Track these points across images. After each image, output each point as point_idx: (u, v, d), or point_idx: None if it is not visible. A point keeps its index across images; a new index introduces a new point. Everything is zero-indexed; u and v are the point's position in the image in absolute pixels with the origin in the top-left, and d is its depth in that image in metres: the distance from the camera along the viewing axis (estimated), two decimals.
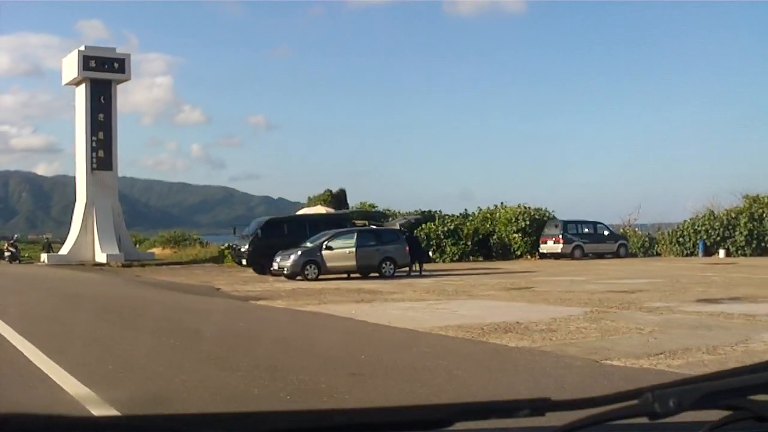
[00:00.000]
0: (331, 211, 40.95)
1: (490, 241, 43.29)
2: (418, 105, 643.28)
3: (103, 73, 41.46)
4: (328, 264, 28.23)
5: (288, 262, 27.99)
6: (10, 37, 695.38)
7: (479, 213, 46.05)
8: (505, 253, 43.17)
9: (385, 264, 28.98)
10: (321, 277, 27.82)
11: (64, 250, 41.82)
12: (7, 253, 41.86)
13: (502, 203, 46.72)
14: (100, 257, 40.18)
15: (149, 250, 47.43)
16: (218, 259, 42.67)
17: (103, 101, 41.78)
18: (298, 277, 27.81)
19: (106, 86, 41.86)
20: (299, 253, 28.05)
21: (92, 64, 41.20)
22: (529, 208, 44.34)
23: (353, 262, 28.45)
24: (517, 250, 43.25)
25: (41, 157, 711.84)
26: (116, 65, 41.77)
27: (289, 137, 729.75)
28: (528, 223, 43.15)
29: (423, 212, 46.20)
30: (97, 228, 40.97)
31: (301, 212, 41.27)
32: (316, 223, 32.01)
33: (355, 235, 29.40)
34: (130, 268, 38.40)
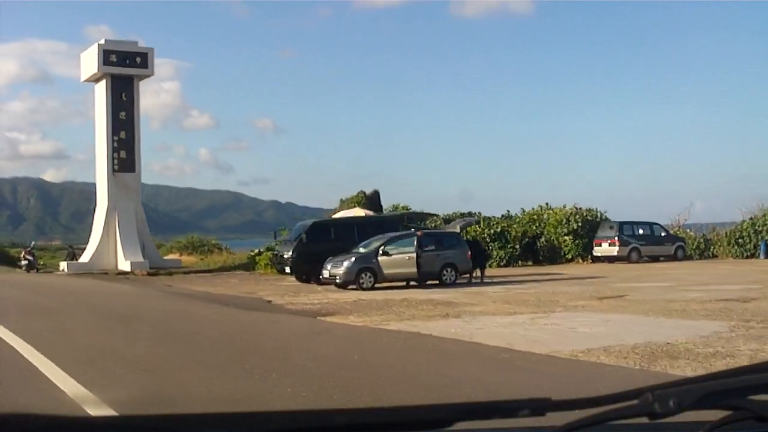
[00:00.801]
0: (370, 213, 38.15)
1: (537, 244, 40.61)
2: (426, 106, 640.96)
3: (125, 69, 38.72)
4: (386, 271, 25.47)
5: (340, 270, 25.20)
6: (18, 43, 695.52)
7: (525, 214, 43.28)
8: (553, 256, 40.46)
9: (446, 271, 26.27)
10: (376, 285, 25.12)
11: (85, 257, 39.04)
12: (24, 262, 39.06)
13: (547, 204, 44.07)
14: (124, 265, 37.42)
15: (170, 257, 44.66)
16: (248, 266, 39.92)
17: (124, 98, 39.02)
18: (350, 287, 25.08)
19: (127, 82, 39.13)
20: (353, 259, 25.26)
21: (113, 59, 38.46)
22: (580, 208, 41.57)
23: (413, 269, 25.68)
24: (567, 253, 40.53)
25: (49, 163, 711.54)
26: (138, 60, 39.02)
27: (297, 141, 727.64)
28: (580, 224, 40.40)
29: (463, 214, 43.55)
30: (120, 234, 38.21)
31: (339, 215, 38.45)
32: (365, 227, 29.27)
33: (415, 239, 26.61)
34: (156, 276, 35.66)
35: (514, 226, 40.52)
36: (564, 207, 42.85)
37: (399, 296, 22.15)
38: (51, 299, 18.20)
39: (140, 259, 37.60)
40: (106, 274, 36.18)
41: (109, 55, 38.36)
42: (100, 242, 38.42)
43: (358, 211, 38.23)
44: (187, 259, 44.66)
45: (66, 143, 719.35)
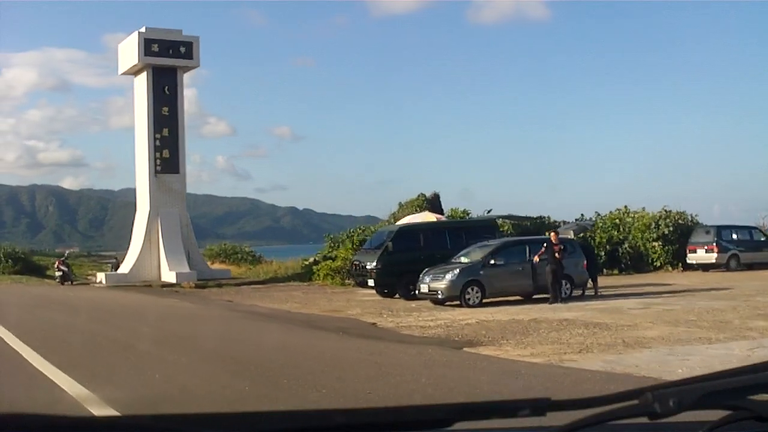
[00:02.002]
0: (442, 218, 34.21)
1: (619, 250, 36.60)
2: (443, 113, 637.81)
3: (168, 59, 34.92)
4: (495, 285, 21.56)
5: (442, 284, 21.30)
6: (36, 52, 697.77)
7: (604, 218, 39.21)
8: (638, 264, 36.42)
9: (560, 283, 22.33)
10: (483, 301, 21.29)
11: (125, 268, 35.19)
12: (57, 273, 35.18)
13: (626, 207, 40.06)
14: (168, 276, 33.59)
15: (216, 266, 40.78)
16: (303, 276, 36.03)
17: (167, 92, 35.21)
18: (448, 303, 21.24)
19: (170, 74, 35.32)
20: (457, 271, 21.34)
21: (155, 48, 34.67)
22: (670, 211, 37.53)
23: (528, 282, 21.84)
24: (655, 260, 36.46)
25: (67, 171, 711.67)
26: (182, 49, 35.21)
27: (314, 148, 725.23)
28: (671, 229, 36.34)
29: (533, 219, 39.61)
30: (163, 242, 34.38)
31: (405, 221, 34.54)
32: (457, 232, 25.39)
33: (527, 247, 22.72)
34: (205, 289, 31.81)
35: (598, 231, 36.56)
36: (643, 209, 39.08)
37: (524, 315, 18.36)
38: (120, 329, 14.11)
39: (186, 269, 33.77)
40: (150, 286, 32.37)
41: (150, 45, 34.59)
42: (141, 251, 34.59)
43: (428, 216, 34.25)
44: (233, 270, 40.78)
45: (84, 151, 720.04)
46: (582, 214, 39.74)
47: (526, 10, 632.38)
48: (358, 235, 47.91)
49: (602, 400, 1.50)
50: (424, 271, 21.96)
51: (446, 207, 43.41)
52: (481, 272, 21.48)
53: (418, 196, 43.34)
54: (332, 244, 49.89)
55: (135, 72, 35.92)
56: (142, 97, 35.38)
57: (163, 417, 1.42)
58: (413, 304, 22.29)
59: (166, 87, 35.17)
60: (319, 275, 34.65)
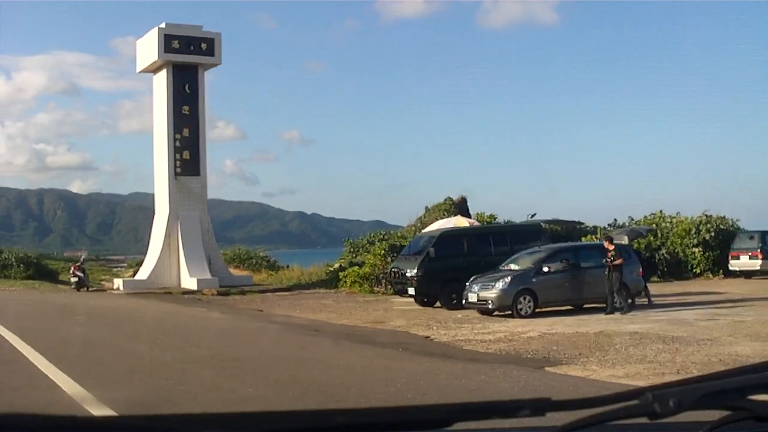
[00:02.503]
0: (475, 222, 32.68)
1: (656, 256, 35.05)
2: (452, 117, 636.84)
3: (189, 56, 33.50)
4: (548, 294, 20.10)
5: (492, 293, 19.82)
6: (45, 56, 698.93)
7: (642, 223, 37.68)
8: (676, 271, 34.88)
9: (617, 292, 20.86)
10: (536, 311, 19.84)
11: (143, 274, 33.76)
12: (73, 279, 33.68)
13: (660, 211, 38.56)
14: (188, 282, 32.14)
15: (237, 272, 39.28)
16: (328, 283, 34.54)
17: (188, 90, 33.78)
18: (496, 313, 19.78)
19: (191, 72, 33.91)
20: (509, 279, 19.86)
21: (175, 44, 33.26)
22: (711, 216, 35.98)
23: (583, 291, 20.44)
24: (695, 267, 34.90)
25: (76, 174, 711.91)
26: (204, 46, 33.79)
27: (323, 152, 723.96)
28: (712, 234, 34.78)
29: (569, 222, 38.16)
30: (183, 247, 32.93)
31: (436, 225, 33.06)
32: (501, 237, 23.91)
33: (577, 253, 21.27)
34: (228, 296, 30.36)
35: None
36: (678, 214, 37.60)
37: (586, 327, 16.96)
38: (164, 348, 12.27)
39: (207, 275, 32.31)
40: (170, 293, 30.92)
41: (170, 41, 33.19)
42: (159, 256, 33.15)
43: (460, 221, 32.71)
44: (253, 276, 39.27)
45: (92, 155, 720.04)
46: (615, 219, 38.25)
47: (536, 15, 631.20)
48: (385, 240, 46.54)
49: (602, 400, 1.50)
50: (472, 279, 20.50)
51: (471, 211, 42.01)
52: (534, 280, 20.01)
53: (445, 199, 41.90)
54: (352, 249, 48.55)
55: (154, 70, 34.53)
56: (161, 96, 33.99)
57: (164, 417, 1.41)
58: (459, 314, 20.81)
59: (187, 85, 33.76)
60: (345, 282, 33.18)
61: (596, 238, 34.42)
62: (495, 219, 40.20)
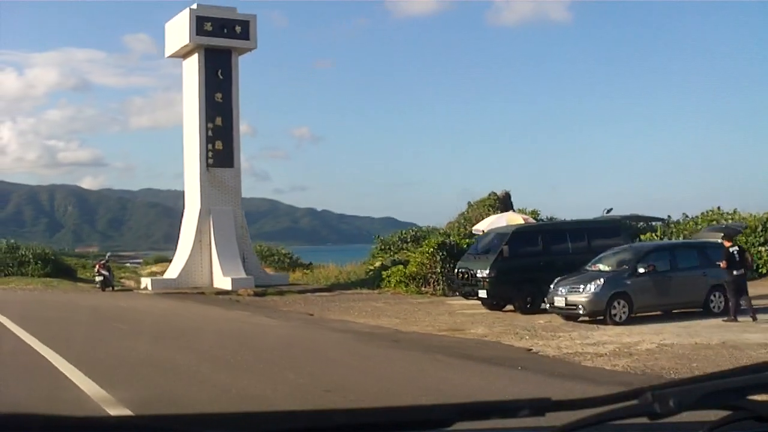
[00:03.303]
0: (529, 219, 30.32)
1: None
2: (462, 115, 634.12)
3: (222, 40, 31.22)
4: (644, 298, 17.84)
5: (583, 297, 17.54)
6: (55, 52, 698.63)
7: (699, 219, 35.23)
8: None
9: (714, 296, 18.62)
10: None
11: (173, 272, 31.53)
12: (98, 278, 31.40)
13: (718, 207, 36.12)
14: (222, 282, 29.93)
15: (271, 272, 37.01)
16: (369, 282, 32.29)
17: (221, 77, 31.52)
18: (582, 319, 17.55)
19: (224, 57, 31.64)
20: (601, 281, 17.56)
21: (207, 27, 30.99)
22: None
23: (682, 295, 18.12)
24: (761, 266, 32.49)
25: (87, 170, 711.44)
26: (238, 29, 31.50)
27: (333, 149, 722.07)
28: None
29: (649, 218, 35.68)
30: (216, 244, 30.70)
31: (487, 222, 30.77)
32: (578, 234, 21.62)
33: (673, 252, 18.98)
34: (265, 297, 28.14)
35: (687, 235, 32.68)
36: (735, 211, 35.23)
37: (701, 337, 14.83)
38: (243, 371, 10.04)
39: (242, 274, 30.09)
40: (203, 293, 28.70)
41: (202, 23, 30.91)
42: (190, 254, 30.93)
43: (513, 217, 30.35)
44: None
45: (103, 151, 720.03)
46: (668, 215, 35.77)
47: (547, 13, 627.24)
48: (417, 238, 44.26)
49: (602, 400, 1.49)
50: (557, 281, 18.21)
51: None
52: (628, 283, 17.71)
53: (489, 194, 39.72)
54: (383, 247, 46.35)
55: (184, 54, 32.28)
56: (192, 83, 31.74)
57: (165, 417, 1.41)
58: (540, 319, 18.51)
59: (220, 71, 31.49)
60: (389, 282, 30.95)
61: (656, 236, 32.11)
62: (538, 216, 37.99)
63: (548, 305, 18.32)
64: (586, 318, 17.68)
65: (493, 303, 21.06)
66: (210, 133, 31.24)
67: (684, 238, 27.86)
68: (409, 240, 45.61)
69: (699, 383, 1.53)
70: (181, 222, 32.94)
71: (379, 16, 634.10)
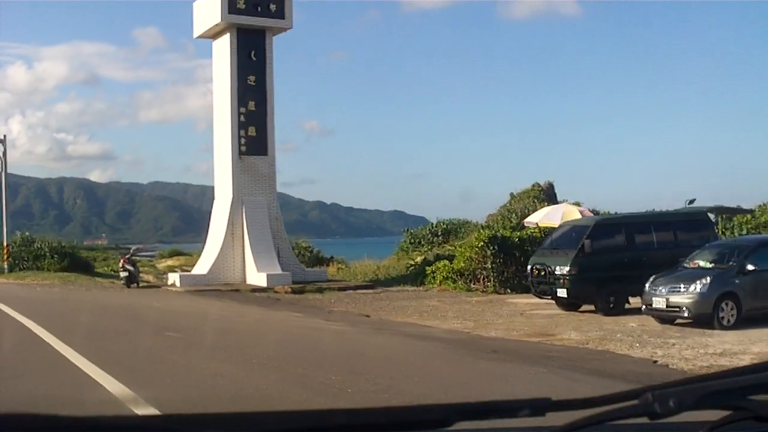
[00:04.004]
0: (588, 212, 28.25)
1: None
2: (471, 107, 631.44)
3: (256, 18, 29.14)
4: (755, 300, 15.77)
5: (687, 297, 15.49)
6: (66, 46, 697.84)
7: (758, 212, 33.08)
8: None
9: None
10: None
11: (202, 267, 29.49)
12: (123, 273, 29.35)
13: None
14: (256, 278, 27.94)
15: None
16: (410, 278, 30.28)
17: (254, 58, 29.45)
18: (678, 321, 15.53)
19: (258, 37, 29.55)
20: (707, 280, 15.47)
21: (240, 5, 28.91)
22: None
23: None
24: None
25: (96, 164, 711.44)
26: (273, 7, 29.39)
27: (343, 142, 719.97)
28: None
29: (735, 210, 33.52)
30: (249, 237, 28.71)
31: (541, 215, 28.72)
32: (666, 227, 19.60)
33: None
34: (303, 294, 26.16)
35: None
36: None
37: None
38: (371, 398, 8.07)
39: (278, 270, 28.08)
40: (237, 291, 26.68)
41: (235, 1, 28.87)
42: (222, 248, 28.94)
43: (571, 209, 28.29)
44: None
45: (112, 144, 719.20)
46: (758, 206, 33.60)
47: (557, 6, 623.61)
48: (446, 231, 42.24)
49: (602, 400, 1.49)
50: (653, 280, 16.15)
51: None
52: (737, 282, 15.65)
53: (533, 185, 37.94)
54: (412, 240, 44.38)
55: (214, 35, 30.22)
56: (223, 65, 29.69)
57: (165, 417, 1.40)
58: (631, 322, 16.47)
59: (253, 52, 29.42)
60: (434, 278, 28.95)
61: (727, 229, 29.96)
62: (581, 206, 35.94)
63: (644, 306, 16.29)
64: (686, 321, 15.66)
65: (570, 303, 19.05)
66: (242, 118, 29.19)
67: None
68: (440, 233, 43.69)
69: (699, 383, 1.52)
70: (210, 214, 30.97)
71: (390, 8, 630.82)
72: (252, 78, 29.32)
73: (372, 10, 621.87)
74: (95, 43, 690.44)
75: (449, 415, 1.47)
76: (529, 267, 19.91)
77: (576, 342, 14.00)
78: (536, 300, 21.20)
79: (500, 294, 26.25)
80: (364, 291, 27.38)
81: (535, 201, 35.40)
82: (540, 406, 1.47)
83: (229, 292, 26.47)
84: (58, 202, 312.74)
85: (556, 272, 18.48)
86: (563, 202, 36.85)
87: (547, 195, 36.78)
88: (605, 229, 19.28)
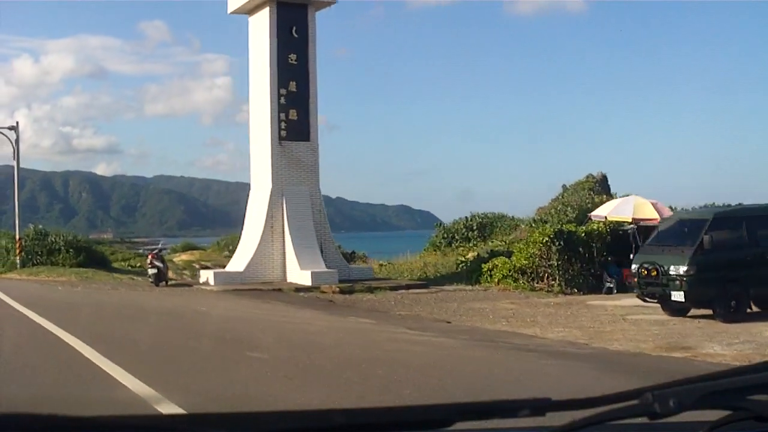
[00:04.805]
0: (662, 207, 25.75)
1: None
2: (476, 105, 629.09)
3: None
4: None
5: None
6: (72, 39, 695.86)
7: None
8: None
9: None
10: None
11: (238, 264, 26.85)
12: (151, 270, 26.73)
13: None
14: (298, 276, 25.38)
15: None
16: (463, 276, 27.72)
17: (295, 34, 26.85)
18: None
19: (300, 12, 26.93)
20: None
21: None
22: None
23: None
24: None
25: (101, 157, 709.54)
26: None
27: (348, 137, 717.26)
28: None
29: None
30: (291, 231, 26.15)
31: (606, 207, 26.31)
32: None
33: None
34: (353, 294, 23.61)
35: None
36: None
37: None
38: None
39: (323, 267, 25.53)
40: (280, 290, 24.11)
41: None
42: (259, 243, 26.36)
43: (641, 202, 25.87)
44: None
45: (118, 138, 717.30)
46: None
47: (564, 2, 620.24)
48: (495, 224, 39.75)
49: (602, 400, 1.48)
50: None
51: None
52: None
53: (587, 177, 35.59)
54: (445, 235, 41.88)
55: (250, 10, 27.58)
56: (261, 42, 27.06)
57: (167, 417, 1.38)
58: (767, 330, 13.93)
59: (294, 28, 26.81)
60: (490, 277, 26.43)
61: None
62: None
63: None
64: None
65: (681, 307, 16.50)
66: (283, 100, 26.58)
67: None
68: (475, 228, 41.25)
69: (699, 383, 1.51)
70: (245, 206, 28.41)
71: (394, 6, 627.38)
72: (293, 56, 26.71)
73: (377, 7, 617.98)
74: (101, 37, 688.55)
75: (449, 415, 1.46)
76: (634, 267, 17.34)
77: (731, 358, 11.45)
78: (626, 302, 18.85)
79: (568, 294, 23.96)
80: (418, 291, 24.81)
81: (591, 193, 33.09)
82: (540, 406, 1.45)
83: (271, 291, 23.92)
84: (63, 196, 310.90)
85: (670, 272, 15.91)
86: (622, 195, 34.51)
87: (601, 186, 34.58)
88: (725, 222, 16.72)
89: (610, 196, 33.06)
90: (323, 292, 23.83)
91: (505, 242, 32.05)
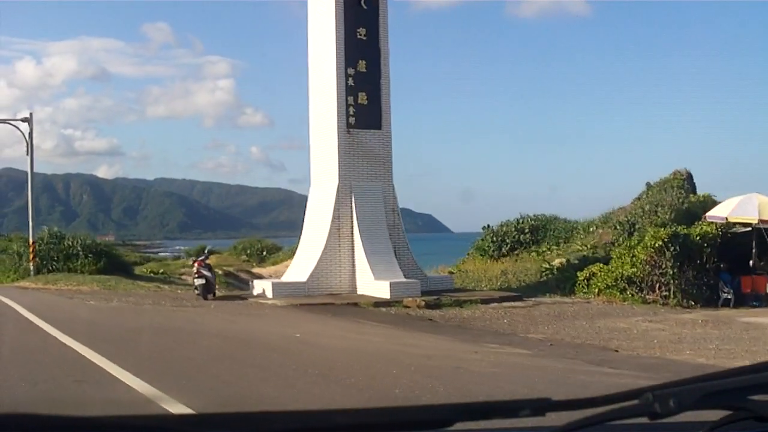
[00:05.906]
0: None
1: None
2: (478, 106, 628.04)
3: None
4: None
5: None
6: (75, 41, 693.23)
7: None
8: None
9: None
10: None
11: (300, 274, 22.89)
12: (198, 281, 22.74)
13: None
14: (373, 288, 21.58)
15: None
16: (551, 285, 24.05)
17: (365, 6, 23.07)
18: None
19: None
20: None
21: None
22: None
23: None
24: None
25: (103, 159, 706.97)
26: None
27: None
28: None
29: None
30: (361, 235, 22.36)
31: (726, 206, 22.74)
32: None
33: None
34: (440, 309, 19.85)
35: None
36: None
37: None
38: None
39: (401, 277, 21.74)
40: (357, 305, 20.32)
41: None
42: (324, 249, 22.55)
43: (765, 202, 22.41)
44: None
45: (120, 140, 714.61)
46: None
47: (566, 5, 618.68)
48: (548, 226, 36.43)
49: (602, 400, 1.47)
50: None
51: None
52: None
53: (674, 174, 32.18)
54: (494, 238, 38.50)
55: None
56: (324, 14, 23.23)
57: (166, 417, 1.39)
58: None
59: (363, 0, 23.06)
60: (587, 285, 22.79)
61: None
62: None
63: None
64: None
65: None
66: (351, 81, 22.78)
67: None
68: (527, 230, 37.89)
69: (699, 383, 1.51)
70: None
71: (397, 8, 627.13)
72: (362, 31, 22.92)
73: None
74: (104, 39, 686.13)
75: (450, 415, 1.45)
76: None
77: None
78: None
79: (685, 307, 20.79)
80: (514, 303, 21.07)
81: (681, 191, 29.93)
82: (540, 406, 1.45)
83: (346, 306, 20.18)
84: (65, 198, 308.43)
85: None
86: (702, 193, 31.15)
87: (688, 183, 31.45)
88: None
89: (693, 192, 29.96)
90: (406, 307, 20.09)
91: (587, 246, 28.41)
